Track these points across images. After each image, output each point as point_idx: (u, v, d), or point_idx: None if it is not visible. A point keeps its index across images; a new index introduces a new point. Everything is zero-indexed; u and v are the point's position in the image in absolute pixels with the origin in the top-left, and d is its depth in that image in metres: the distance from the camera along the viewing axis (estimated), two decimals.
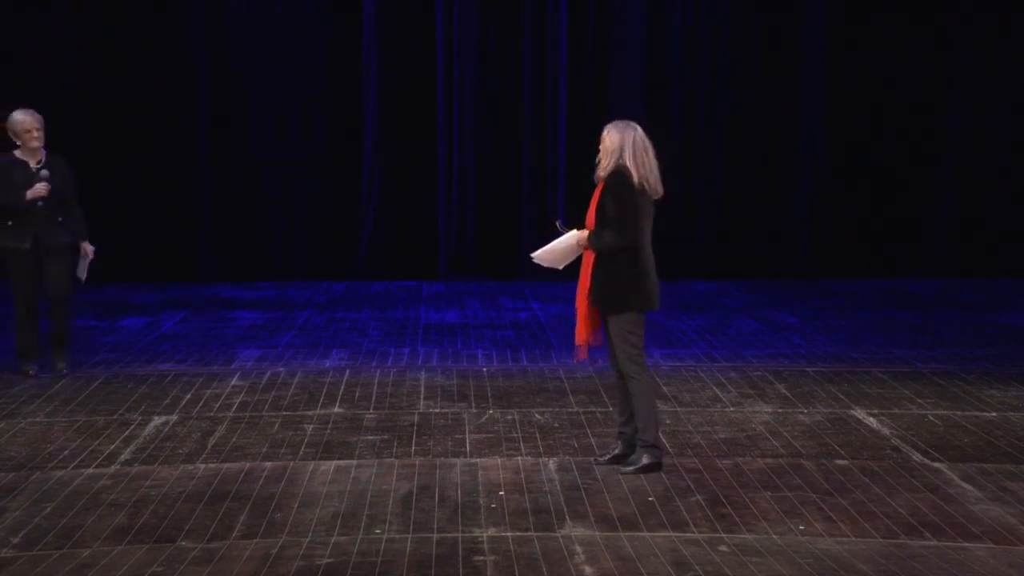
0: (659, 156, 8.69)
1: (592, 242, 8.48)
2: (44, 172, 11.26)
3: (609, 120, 8.81)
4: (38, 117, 11.29)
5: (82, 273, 11.51)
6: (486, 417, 10.20)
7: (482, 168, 18.54)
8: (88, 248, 11.50)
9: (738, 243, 18.54)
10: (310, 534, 7.46)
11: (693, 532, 7.50)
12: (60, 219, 11.36)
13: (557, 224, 8.79)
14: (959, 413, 10.38)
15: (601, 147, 8.56)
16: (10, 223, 11.25)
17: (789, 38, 18.50)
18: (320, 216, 18.53)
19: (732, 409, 10.50)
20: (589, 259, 8.55)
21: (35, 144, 11.27)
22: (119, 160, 17.79)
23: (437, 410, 10.47)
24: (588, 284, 8.51)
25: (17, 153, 11.34)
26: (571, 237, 8.60)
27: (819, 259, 18.46)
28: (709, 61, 18.50)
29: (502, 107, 18.48)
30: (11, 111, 11.34)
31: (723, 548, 7.22)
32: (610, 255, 8.45)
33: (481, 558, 7.05)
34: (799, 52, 18.50)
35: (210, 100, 18.31)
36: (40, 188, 11.21)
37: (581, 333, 8.59)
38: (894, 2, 18.32)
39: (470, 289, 17.49)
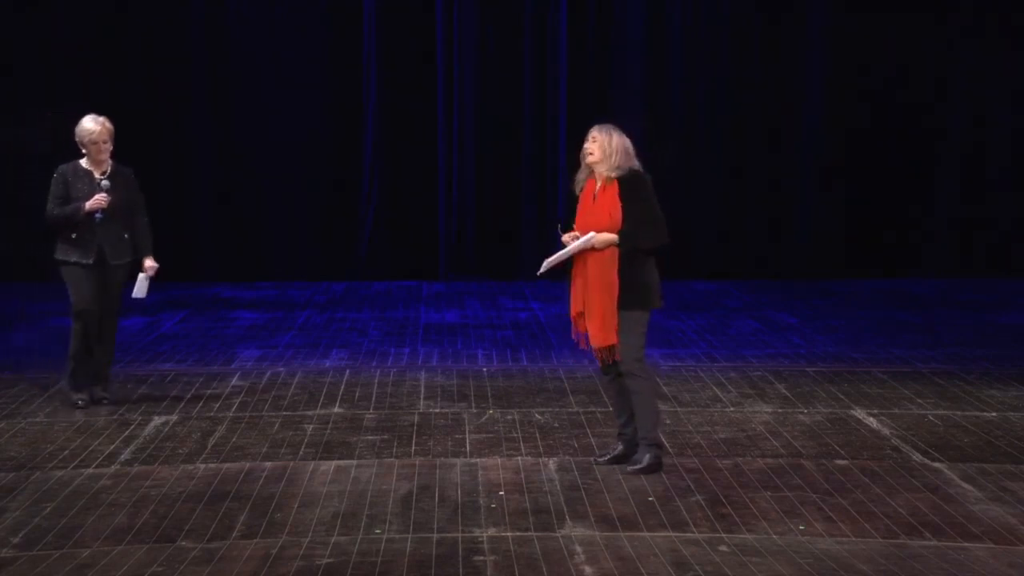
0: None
1: (627, 242, 8.44)
2: (105, 183, 10.32)
3: (609, 120, 8.77)
4: (109, 127, 10.39)
5: (141, 292, 10.46)
6: (486, 417, 10.20)
7: (482, 168, 18.55)
8: (148, 263, 10.48)
9: (738, 243, 18.55)
10: (310, 534, 7.46)
11: (693, 532, 7.50)
12: (125, 235, 10.41)
13: (560, 228, 8.75)
14: (959, 413, 10.38)
15: (595, 147, 8.51)
16: (74, 236, 10.31)
17: (789, 38, 18.51)
18: (320, 216, 18.54)
19: (732, 409, 10.50)
20: (610, 259, 8.49)
21: (103, 156, 10.36)
22: (119, 161, 17.77)
23: (437, 410, 10.47)
24: (616, 284, 8.46)
25: (82, 162, 10.41)
26: (587, 241, 8.50)
27: (819, 259, 18.47)
28: (709, 61, 18.51)
29: (502, 107, 18.48)
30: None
31: (723, 548, 7.22)
32: (634, 254, 8.47)
33: (481, 558, 7.05)
34: (799, 52, 18.50)
35: (210, 100, 18.31)
36: (99, 199, 10.24)
37: (609, 334, 8.50)
38: (894, 2, 18.33)
39: (470, 289, 17.49)
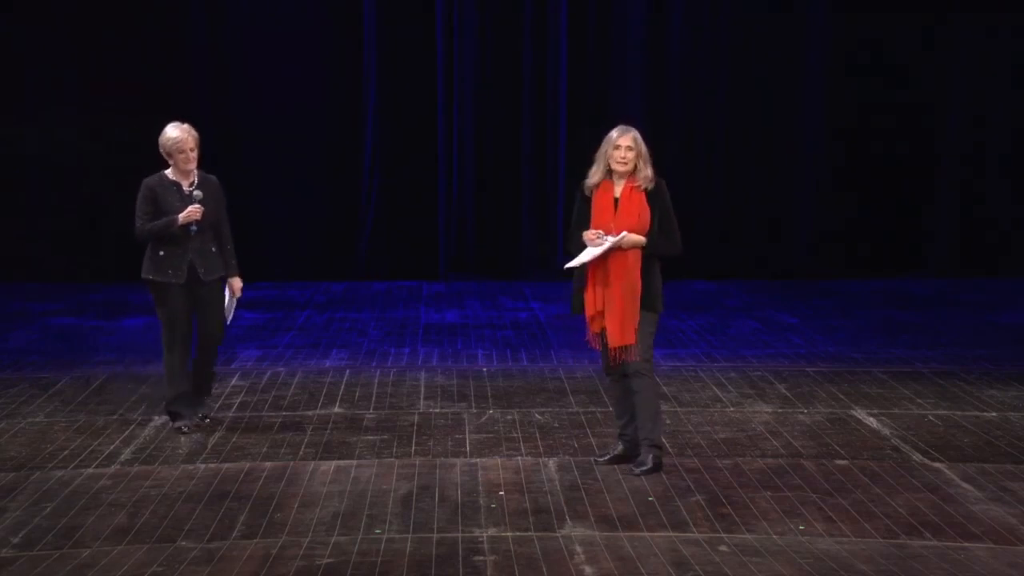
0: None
1: (654, 247, 8.54)
2: (197, 193, 9.70)
3: (609, 120, 8.78)
4: (195, 134, 9.75)
5: (228, 313, 9.90)
6: (486, 417, 10.21)
7: (482, 168, 18.54)
8: (237, 285, 9.91)
9: (738, 243, 18.54)
10: (310, 534, 7.47)
11: (693, 532, 7.50)
12: (214, 248, 9.79)
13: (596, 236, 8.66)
14: (959, 413, 10.38)
15: (631, 155, 8.50)
16: (162, 253, 9.66)
17: (789, 38, 18.49)
18: (320, 216, 18.52)
19: (732, 409, 10.50)
20: (635, 262, 8.52)
21: (190, 166, 9.71)
22: (118, 161, 17.77)
23: (437, 410, 10.47)
24: (639, 286, 8.52)
25: (168, 173, 9.76)
26: (618, 240, 8.49)
27: (819, 259, 18.46)
28: (709, 61, 18.50)
29: (502, 107, 18.47)
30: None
31: (723, 548, 7.22)
32: (652, 259, 8.57)
33: (481, 558, 7.05)
34: (799, 52, 18.49)
35: (210, 100, 18.30)
36: (193, 211, 9.62)
37: (628, 334, 8.54)
38: (895, 1, 18.33)
39: (470, 289, 17.48)
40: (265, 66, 18.32)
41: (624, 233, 8.49)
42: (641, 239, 8.52)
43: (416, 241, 18.59)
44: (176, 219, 9.62)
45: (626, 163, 8.53)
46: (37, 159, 17.88)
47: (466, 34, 18.33)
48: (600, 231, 8.50)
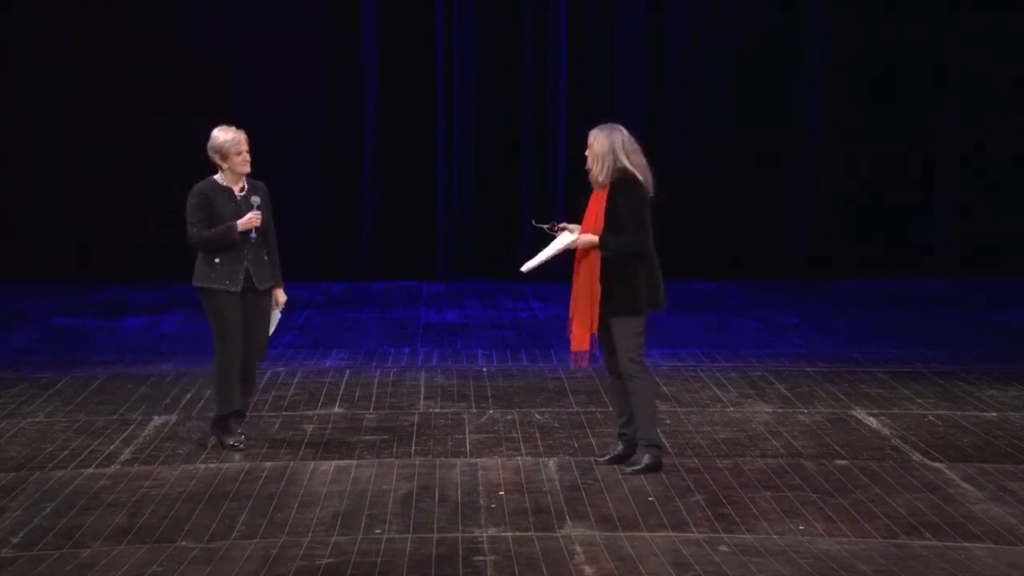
0: (659, 157, 8.72)
1: (608, 247, 8.44)
2: (255, 199, 9.37)
3: (609, 121, 8.78)
4: (244, 134, 9.43)
5: (271, 325, 9.56)
6: (486, 417, 10.21)
7: (482, 168, 18.54)
8: (282, 299, 9.66)
9: (738, 243, 18.54)
10: (310, 534, 7.47)
11: (693, 532, 7.50)
12: (266, 257, 9.53)
13: (534, 223, 8.79)
14: (959, 413, 10.38)
15: (589, 152, 8.55)
16: (218, 260, 9.28)
17: (790, 37, 18.49)
18: (320, 216, 18.51)
19: (732, 409, 10.50)
20: (594, 263, 8.49)
21: (247, 168, 9.41)
22: (119, 161, 17.78)
23: (437, 410, 10.47)
24: (598, 289, 8.46)
25: (218, 178, 9.40)
26: (563, 241, 8.55)
27: (819, 259, 18.46)
28: (709, 61, 18.50)
29: (502, 107, 18.47)
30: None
31: (723, 548, 7.22)
32: (621, 258, 8.46)
33: (481, 558, 7.05)
34: (800, 52, 18.49)
35: (210, 101, 18.28)
36: (253, 217, 9.30)
37: (584, 339, 8.54)
38: (895, 1, 18.33)
39: (470, 289, 17.48)
40: (265, 66, 18.32)
41: (565, 236, 8.54)
42: (593, 239, 8.46)
43: (416, 241, 18.59)
44: (235, 226, 9.27)
45: (586, 161, 8.57)
46: (37, 159, 17.88)
47: (466, 34, 18.33)
48: (566, 224, 8.60)
